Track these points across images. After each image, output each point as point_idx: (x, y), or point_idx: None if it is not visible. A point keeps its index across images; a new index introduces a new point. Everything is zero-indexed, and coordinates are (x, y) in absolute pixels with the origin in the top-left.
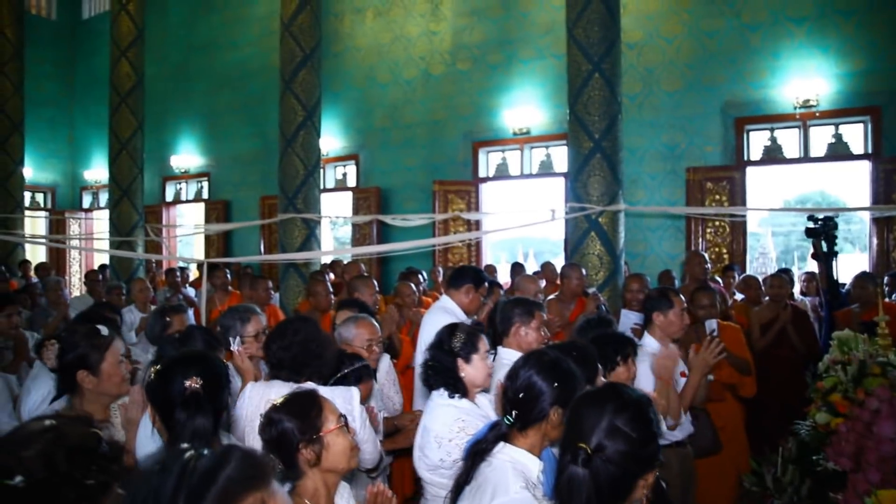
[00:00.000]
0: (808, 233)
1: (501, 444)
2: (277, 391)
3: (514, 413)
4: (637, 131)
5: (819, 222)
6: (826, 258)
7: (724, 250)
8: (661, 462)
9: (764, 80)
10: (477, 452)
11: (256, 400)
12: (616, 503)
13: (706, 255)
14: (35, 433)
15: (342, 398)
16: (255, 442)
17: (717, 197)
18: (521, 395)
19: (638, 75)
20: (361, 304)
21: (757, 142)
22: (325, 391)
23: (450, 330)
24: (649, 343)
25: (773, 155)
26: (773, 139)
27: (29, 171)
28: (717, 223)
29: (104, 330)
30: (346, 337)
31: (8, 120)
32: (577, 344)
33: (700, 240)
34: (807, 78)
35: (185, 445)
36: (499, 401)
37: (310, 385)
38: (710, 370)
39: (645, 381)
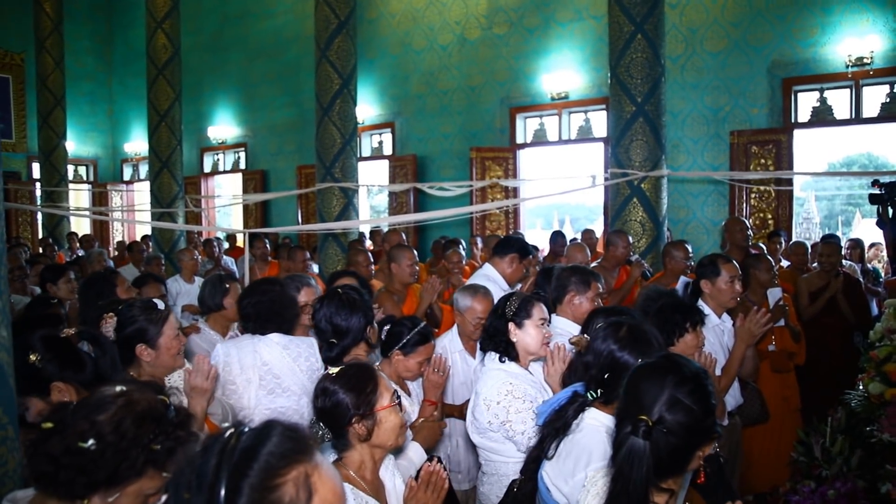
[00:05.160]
0: (872, 199)
1: (590, 409)
2: (265, 345)
3: (598, 391)
4: (679, 94)
5: (884, 187)
6: (892, 225)
7: (770, 216)
8: (718, 434)
9: (814, 38)
10: (560, 427)
11: (244, 354)
12: (674, 474)
13: (747, 221)
14: (107, 399)
15: (307, 344)
16: (248, 393)
17: (763, 161)
18: (606, 375)
19: (680, 36)
20: (355, 274)
21: (805, 103)
22: (286, 339)
23: (507, 296)
24: (707, 313)
25: (822, 116)
26: (823, 100)
27: (71, 145)
28: (762, 188)
29: (160, 304)
30: (460, 305)
31: (50, 95)
32: (622, 309)
33: (744, 205)
34: (860, 34)
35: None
36: (550, 367)
37: (277, 335)
38: (771, 340)
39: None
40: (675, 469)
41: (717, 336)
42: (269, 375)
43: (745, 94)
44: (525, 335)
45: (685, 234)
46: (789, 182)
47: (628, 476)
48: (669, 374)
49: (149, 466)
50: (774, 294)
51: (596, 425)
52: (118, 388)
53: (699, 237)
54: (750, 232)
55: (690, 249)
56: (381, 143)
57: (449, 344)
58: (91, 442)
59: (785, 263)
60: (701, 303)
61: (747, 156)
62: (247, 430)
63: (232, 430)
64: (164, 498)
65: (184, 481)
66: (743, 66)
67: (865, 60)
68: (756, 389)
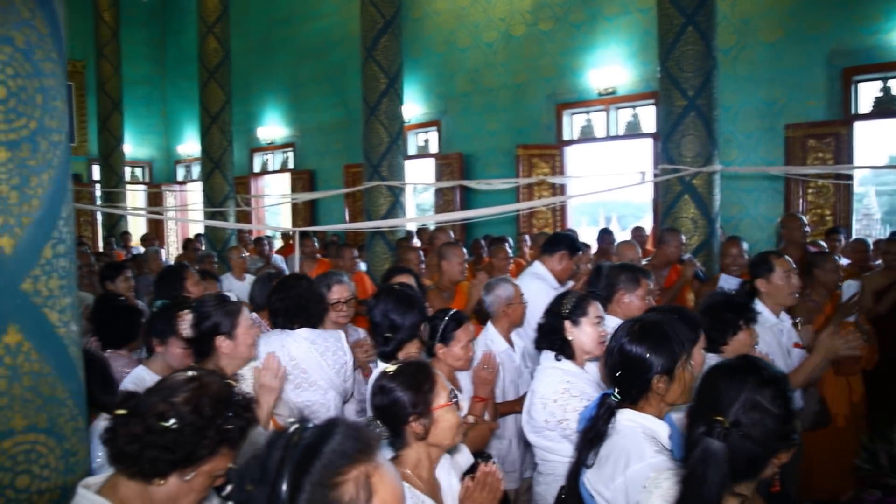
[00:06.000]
0: None
1: (624, 410)
2: (293, 340)
3: (616, 389)
4: (731, 87)
5: None
6: None
7: (828, 212)
8: (797, 442)
9: (877, 24)
10: (592, 438)
11: (272, 349)
12: (746, 479)
13: (805, 218)
14: (181, 383)
15: (334, 338)
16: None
17: (821, 155)
18: (618, 372)
19: (732, 27)
20: (411, 271)
21: (867, 93)
22: (315, 334)
23: (562, 294)
24: (761, 312)
25: (885, 107)
26: (887, 89)
27: (128, 148)
28: (819, 183)
29: (233, 296)
30: (504, 296)
31: (109, 100)
32: (676, 307)
33: (800, 201)
34: None
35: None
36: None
37: (306, 330)
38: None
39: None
40: (748, 474)
41: (774, 336)
42: (296, 370)
43: (801, 86)
44: (581, 333)
45: (738, 232)
46: (848, 177)
47: (703, 478)
48: (749, 375)
49: (222, 446)
50: (851, 287)
51: (632, 426)
52: (189, 374)
53: (753, 234)
54: (807, 228)
55: (746, 247)
56: (426, 141)
57: (491, 344)
58: (173, 421)
59: (844, 261)
60: (757, 302)
61: (804, 150)
62: (310, 426)
63: (296, 426)
64: (228, 488)
65: (248, 474)
66: (799, 57)
67: None
68: (816, 392)
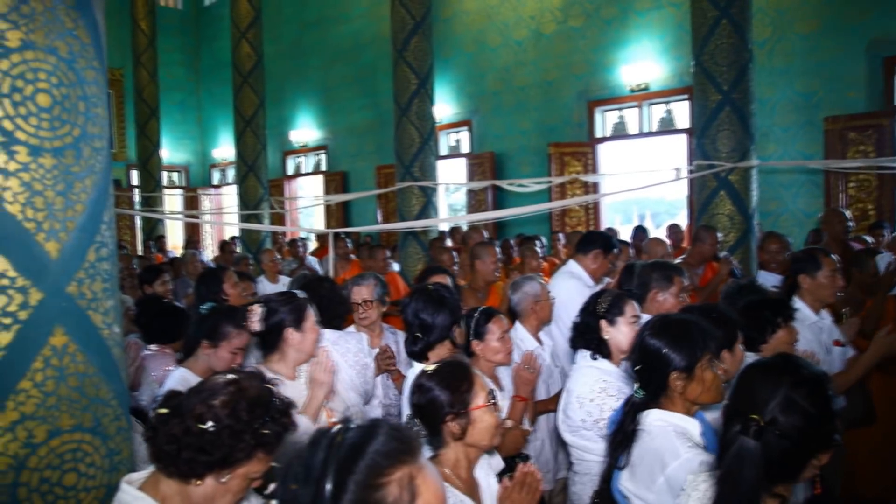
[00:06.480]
0: None
1: (651, 410)
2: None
3: (637, 385)
4: (766, 81)
5: None
6: None
7: (871, 206)
8: (838, 443)
9: None
10: (623, 438)
11: None
12: (785, 480)
13: (847, 213)
14: (220, 386)
15: (356, 339)
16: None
17: (862, 148)
18: (637, 367)
19: (767, 19)
20: (447, 272)
21: None
22: (336, 335)
23: (598, 293)
24: (800, 309)
25: None
26: None
27: (165, 153)
28: (861, 176)
29: (300, 294)
30: (531, 293)
31: (146, 106)
32: (714, 305)
33: (841, 195)
34: None
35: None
36: None
37: (328, 331)
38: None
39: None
40: (786, 475)
41: (814, 334)
42: None
43: (840, 77)
44: (617, 332)
45: (777, 228)
46: (892, 169)
47: (738, 477)
48: (786, 374)
49: (258, 450)
50: (884, 258)
51: (663, 426)
52: (229, 377)
53: (792, 230)
54: (850, 223)
55: (790, 242)
56: (458, 141)
57: (521, 344)
58: (210, 424)
59: (889, 256)
60: (796, 299)
61: (844, 143)
62: (353, 426)
63: (339, 426)
64: (272, 486)
65: (292, 473)
66: (837, 48)
67: None
68: (862, 388)
